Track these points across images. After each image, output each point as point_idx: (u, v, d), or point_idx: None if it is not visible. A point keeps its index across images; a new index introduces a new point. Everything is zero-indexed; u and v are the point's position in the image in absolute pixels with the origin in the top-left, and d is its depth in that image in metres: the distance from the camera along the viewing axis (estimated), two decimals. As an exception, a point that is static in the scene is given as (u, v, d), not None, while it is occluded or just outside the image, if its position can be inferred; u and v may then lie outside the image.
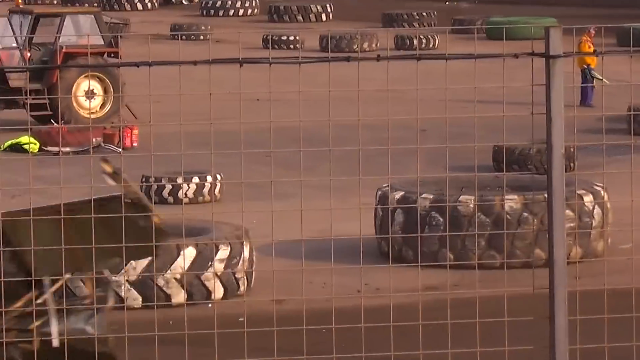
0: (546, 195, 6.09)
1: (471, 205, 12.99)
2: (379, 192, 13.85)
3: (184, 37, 38.43)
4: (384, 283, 12.34)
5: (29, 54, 22.08)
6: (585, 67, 22.09)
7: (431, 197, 13.44)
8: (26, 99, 21.23)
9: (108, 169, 6.14)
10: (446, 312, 9.37)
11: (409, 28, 44.12)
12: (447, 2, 54.35)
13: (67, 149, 19.49)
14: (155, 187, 15.05)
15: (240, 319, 10.37)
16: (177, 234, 10.31)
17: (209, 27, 40.04)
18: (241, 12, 50.32)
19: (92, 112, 21.48)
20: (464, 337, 8.27)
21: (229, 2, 50.39)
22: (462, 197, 13.49)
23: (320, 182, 14.02)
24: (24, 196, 15.66)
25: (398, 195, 13.62)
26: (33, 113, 21.47)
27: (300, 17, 49.70)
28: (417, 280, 12.27)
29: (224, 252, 11.71)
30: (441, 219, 13.04)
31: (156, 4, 55.13)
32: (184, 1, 59.00)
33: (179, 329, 7.80)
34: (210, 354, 7.42)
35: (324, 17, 49.64)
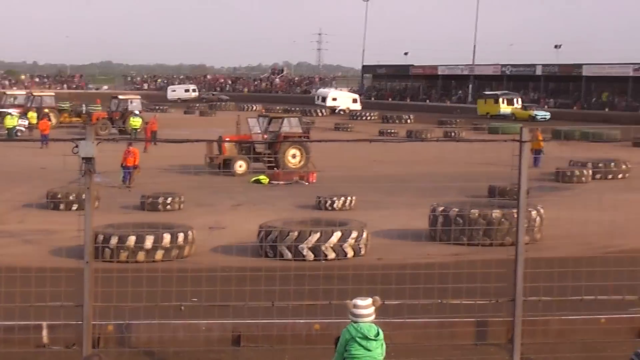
0: (515, 210, 8.99)
1: (477, 214, 17.73)
2: (431, 206, 18.16)
3: (341, 129, 59.08)
4: (433, 251, 16.71)
5: (265, 136, 33.23)
6: (536, 148, 31.50)
7: (457, 209, 18.08)
8: (263, 157, 32.43)
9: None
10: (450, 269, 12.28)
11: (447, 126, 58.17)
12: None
13: (281, 182, 29.14)
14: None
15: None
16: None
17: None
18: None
19: (294, 165, 33.17)
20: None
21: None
22: (472, 210, 17.99)
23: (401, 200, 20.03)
24: (245, 204, 23.28)
25: (440, 208, 18.23)
26: (267, 165, 32.18)
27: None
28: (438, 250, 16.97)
29: (354, 233, 16.87)
30: (461, 220, 17.80)
31: (326, 112, 77.69)
32: (340, 112, 78.76)
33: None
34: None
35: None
